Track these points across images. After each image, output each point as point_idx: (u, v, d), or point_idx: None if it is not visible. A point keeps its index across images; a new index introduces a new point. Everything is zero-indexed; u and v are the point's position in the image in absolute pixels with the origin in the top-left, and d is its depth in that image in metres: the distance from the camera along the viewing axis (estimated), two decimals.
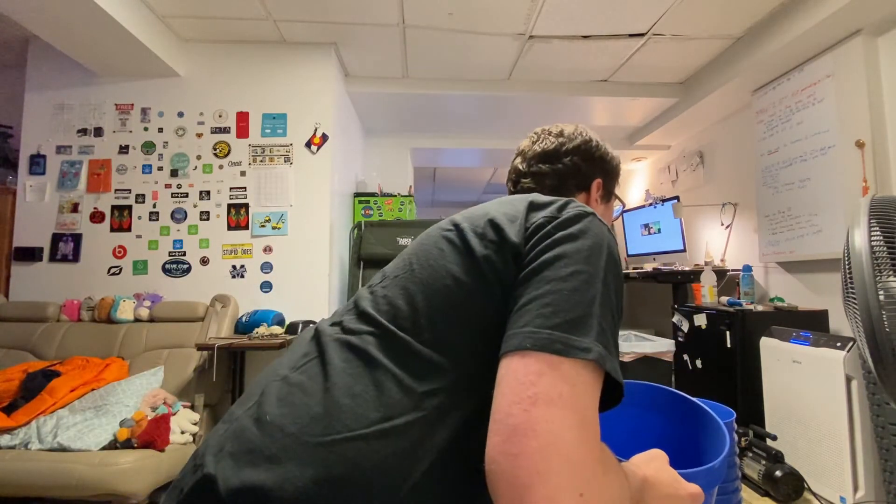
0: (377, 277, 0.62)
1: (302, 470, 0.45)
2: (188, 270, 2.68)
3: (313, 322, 2.53)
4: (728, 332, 2.38)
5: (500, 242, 0.54)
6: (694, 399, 0.74)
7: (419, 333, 0.52)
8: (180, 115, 2.76)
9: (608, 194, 0.87)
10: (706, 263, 3.20)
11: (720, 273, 3.06)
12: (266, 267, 2.70)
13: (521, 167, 0.85)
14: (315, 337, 0.58)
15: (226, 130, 2.77)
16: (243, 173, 2.74)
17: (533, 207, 0.58)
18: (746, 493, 1.98)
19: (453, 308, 0.52)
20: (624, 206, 0.94)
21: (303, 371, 0.53)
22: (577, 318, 0.46)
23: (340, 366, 0.52)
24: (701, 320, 2.58)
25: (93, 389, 2.03)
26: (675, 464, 0.58)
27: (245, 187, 2.73)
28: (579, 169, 0.83)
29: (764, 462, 1.96)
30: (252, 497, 0.44)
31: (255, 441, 0.48)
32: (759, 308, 2.45)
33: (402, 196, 3.40)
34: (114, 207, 2.70)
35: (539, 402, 0.40)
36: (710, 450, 0.64)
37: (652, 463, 0.56)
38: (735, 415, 1.00)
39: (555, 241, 0.52)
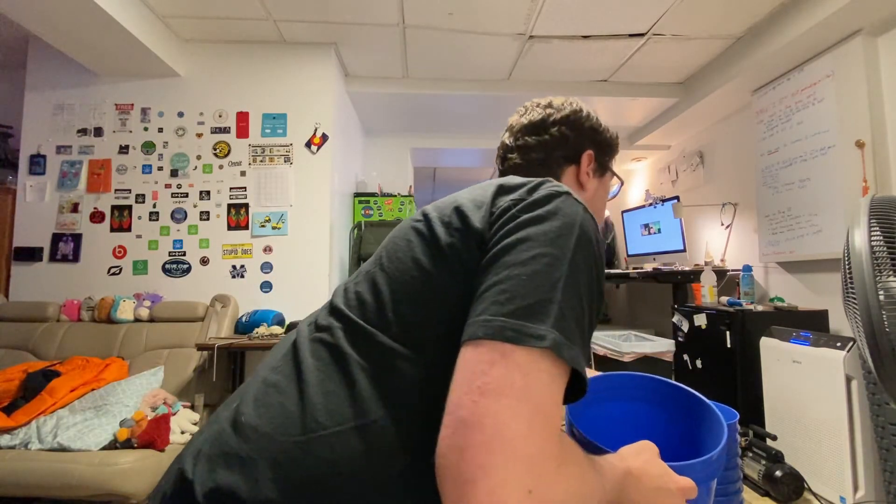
0: (354, 274, 0.61)
1: (275, 471, 0.44)
2: (188, 270, 2.68)
3: None
4: (728, 332, 2.38)
5: (464, 230, 0.52)
6: (696, 393, 0.73)
7: (387, 327, 0.51)
8: (180, 115, 2.76)
9: (602, 168, 0.82)
10: (706, 263, 3.20)
11: (720, 273, 3.06)
12: (266, 267, 2.70)
13: (508, 142, 0.82)
14: (293, 336, 0.58)
15: (226, 130, 2.77)
16: (243, 173, 2.74)
17: (501, 191, 0.55)
18: (746, 493, 1.98)
19: (419, 299, 0.51)
20: (622, 183, 0.89)
21: (279, 371, 0.53)
22: (534, 303, 0.43)
23: (313, 364, 0.51)
24: (701, 320, 2.58)
25: (93, 389, 2.03)
26: (678, 458, 0.56)
27: (245, 187, 2.73)
28: (567, 140, 0.78)
29: (764, 462, 1.96)
30: (224, 500, 0.43)
31: (230, 443, 0.47)
32: (759, 308, 2.45)
33: (402, 196, 3.40)
34: (114, 207, 2.70)
35: (488, 393, 0.38)
36: (711, 444, 0.63)
37: (640, 455, 0.54)
38: (738, 416, 0.99)
39: (519, 225, 0.49)
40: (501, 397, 0.38)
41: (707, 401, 0.70)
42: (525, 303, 0.43)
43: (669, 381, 0.77)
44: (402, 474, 0.45)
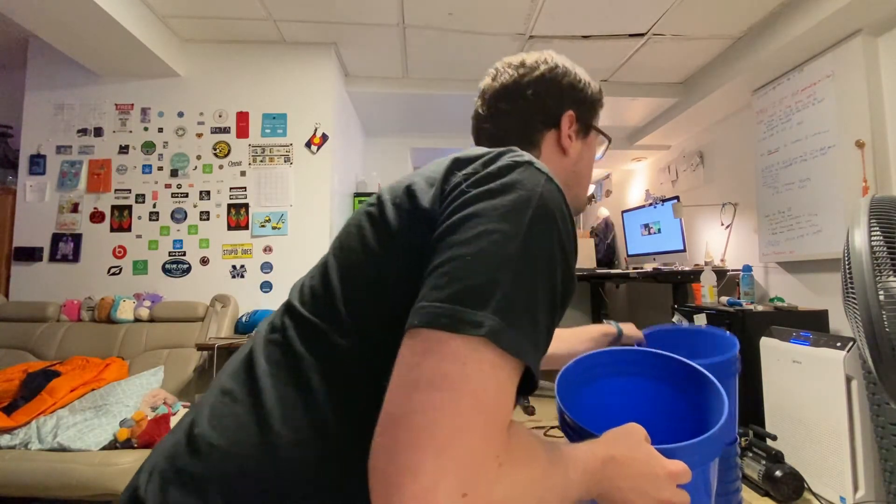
0: (312, 268, 0.58)
1: (229, 489, 0.42)
2: (188, 270, 2.68)
3: None
4: (728, 333, 2.38)
5: (413, 211, 0.48)
6: (695, 365, 0.69)
7: (339, 322, 0.47)
8: (180, 115, 2.76)
9: (586, 128, 0.74)
10: (706, 263, 3.20)
11: (720, 273, 3.06)
12: (266, 267, 2.70)
13: (481, 111, 0.74)
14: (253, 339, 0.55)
15: (226, 130, 2.77)
16: (243, 173, 2.74)
17: (456, 166, 0.50)
18: (746, 493, 1.98)
19: (371, 290, 0.47)
20: (610, 141, 0.80)
21: (235, 377, 0.50)
22: (474, 286, 0.38)
23: (267, 368, 0.48)
24: (701, 320, 2.58)
25: (93, 389, 2.03)
26: (690, 432, 0.54)
27: (245, 187, 2.73)
28: (544, 102, 0.70)
29: (764, 462, 1.96)
30: None
31: (183, 459, 0.45)
32: (759, 308, 2.45)
33: None
34: (114, 207, 2.70)
35: (420, 386, 0.35)
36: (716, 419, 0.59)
37: (623, 440, 0.49)
38: (738, 346, 0.98)
39: (468, 201, 0.44)
40: (434, 391, 0.34)
41: (706, 373, 0.66)
42: (464, 286, 0.38)
43: (664, 353, 0.73)
44: (363, 480, 0.40)
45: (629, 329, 1.07)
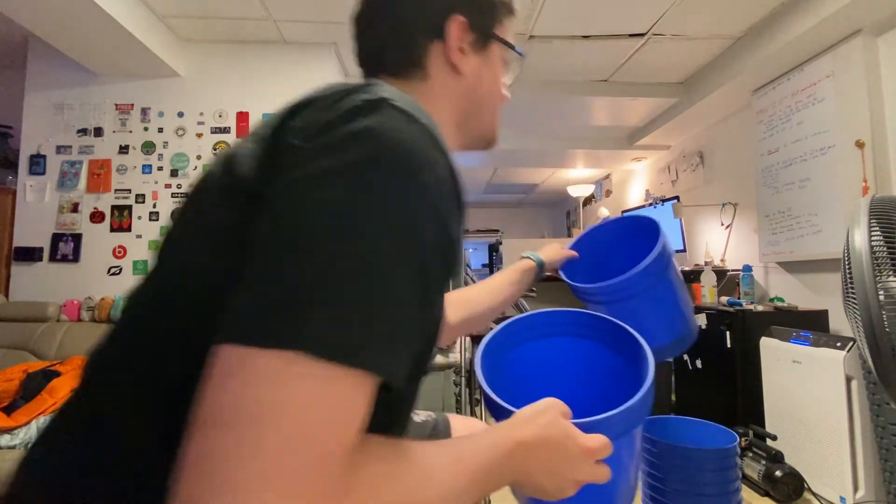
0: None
1: None
2: None
3: None
4: (728, 332, 2.38)
5: (233, 184, 0.37)
6: (625, 326, 0.66)
7: (158, 340, 0.37)
8: (180, 115, 2.76)
9: (484, 37, 0.56)
10: (706, 263, 3.20)
11: (720, 273, 3.06)
12: None
13: (356, 28, 0.57)
14: None
15: (226, 130, 2.77)
16: None
17: (290, 113, 0.38)
18: (746, 493, 1.98)
19: (185, 297, 0.37)
20: (522, 55, 0.64)
21: (71, 412, 0.40)
22: (295, 281, 0.29)
23: (89, 404, 0.39)
24: (701, 320, 2.58)
25: None
26: (627, 395, 0.51)
27: None
28: (424, 6, 0.53)
29: (764, 462, 1.96)
30: None
31: None
32: (759, 308, 2.45)
33: None
34: (114, 207, 2.70)
35: (217, 421, 0.27)
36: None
37: (535, 420, 0.44)
38: (659, 225, 0.94)
39: (299, 161, 0.33)
40: (233, 426, 0.27)
41: (633, 332, 0.64)
42: (282, 282, 0.29)
43: (591, 313, 0.71)
44: None
45: (551, 254, 0.97)
